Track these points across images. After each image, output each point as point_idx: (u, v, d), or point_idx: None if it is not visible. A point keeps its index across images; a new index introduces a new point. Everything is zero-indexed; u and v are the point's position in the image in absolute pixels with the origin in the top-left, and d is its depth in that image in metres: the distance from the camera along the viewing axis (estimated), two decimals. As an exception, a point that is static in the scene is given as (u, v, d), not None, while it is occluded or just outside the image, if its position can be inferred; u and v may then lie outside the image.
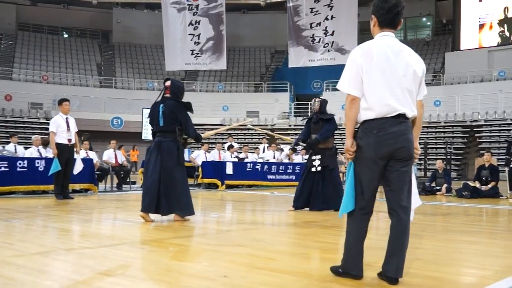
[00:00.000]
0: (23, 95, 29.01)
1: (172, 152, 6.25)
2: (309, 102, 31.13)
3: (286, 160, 16.99)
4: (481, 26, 31.61)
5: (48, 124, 28.97)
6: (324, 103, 8.33)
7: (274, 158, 16.83)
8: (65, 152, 9.45)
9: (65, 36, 38.80)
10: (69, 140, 9.49)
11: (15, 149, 11.62)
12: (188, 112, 6.49)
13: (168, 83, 6.50)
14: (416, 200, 3.33)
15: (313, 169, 7.89)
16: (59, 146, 9.40)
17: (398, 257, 3.10)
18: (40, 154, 11.32)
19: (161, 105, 6.32)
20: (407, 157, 3.12)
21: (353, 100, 3.13)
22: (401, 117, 3.10)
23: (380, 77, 3.09)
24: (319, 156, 7.94)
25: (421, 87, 3.25)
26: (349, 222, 3.22)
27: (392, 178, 3.13)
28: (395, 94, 3.09)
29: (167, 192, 6.20)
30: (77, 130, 9.82)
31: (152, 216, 6.30)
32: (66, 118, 9.61)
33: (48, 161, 10.56)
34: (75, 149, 9.67)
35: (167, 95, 6.44)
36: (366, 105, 3.11)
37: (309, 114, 31.36)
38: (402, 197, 3.13)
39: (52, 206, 8.25)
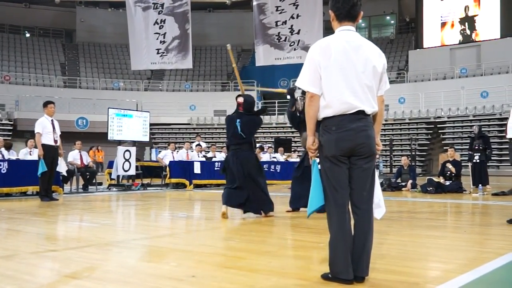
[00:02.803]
0: (-15, 96, 28.29)
1: (251, 160, 6.87)
2: (276, 100, 31.34)
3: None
4: (443, 24, 32.33)
5: (10, 125, 28.30)
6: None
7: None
8: (51, 153, 9.51)
9: (27, 35, 37.92)
10: (55, 141, 9.60)
11: (-23, 151, 11.29)
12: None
13: (240, 99, 6.93)
14: (379, 197, 3.32)
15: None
16: (45, 147, 9.44)
17: (363, 255, 3.08)
18: (3, 156, 11.05)
19: (238, 120, 6.82)
20: (368, 153, 3.09)
21: (312, 98, 3.10)
22: (361, 113, 3.06)
23: (338, 74, 3.05)
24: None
25: (382, 82, 3.21)
26: (330, 222, 3.12)
27: (354, 175, 3.10)
28: (354, 91, 3.05)
29: (254, 195, 6.73)
30: (60, 133, 9.90)
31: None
32: (52, 120, 9.70)
33: (12, 164, 10.33)
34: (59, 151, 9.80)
35: (241, 110, 6.92)
36: (325, 102, 3.08)
37: (275, 112, 31.57)
38: (365, 194, 3.11)
39: (16, 209, 8.06)
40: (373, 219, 3.17)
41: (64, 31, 39.12)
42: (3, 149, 11.27)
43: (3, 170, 10.10)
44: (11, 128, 27.56)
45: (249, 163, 6.80)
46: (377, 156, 3.35)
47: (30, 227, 6.11)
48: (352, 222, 3.14)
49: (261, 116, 7.34)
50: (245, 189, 6.71)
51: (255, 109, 7.24)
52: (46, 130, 9.54)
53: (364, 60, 3.09)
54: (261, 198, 6.81)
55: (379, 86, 3.20)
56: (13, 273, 3.48)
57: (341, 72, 3.05)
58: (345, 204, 3.09)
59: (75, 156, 12.89)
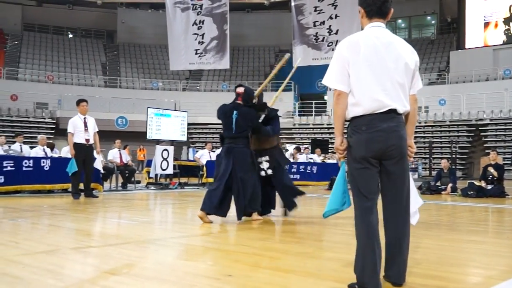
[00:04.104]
0: (29, 95, 29.19)
1: (245, 158, 6.25)
2: (313, 101, 31.20)
3: (290, 160, 16.98)
4: (486, 24, 31.51)
5: (53, 123, 29.12)
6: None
7: (278, 157, 16.79)
8: (83, 152, 9.53)
9: (70, 36, 38.94)
10: (87, 140, 9.59)
11: (21, 148, 11.65)
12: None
13: (241, 89, 6.46)
14: (416, 200, 3.19)
15: (263, 173, 6.64)
16: (76, 146, 9.51)
17: (400, 262, 2.95)
18: (46, 153, 11.36)
19: (235, 112, 6.28)
20: (399, 156, 2.92)
21: (339, 96, 2.94)
22: (392, 112, 2.90)
23: (368, 71, 2.90)
24: (267, 157, 6.79)
25: (414, 80, 3.06)
26: (357, 229, 2.93)
27: (386, 180, 2.95)
28: (385, 88, 2.90)
29: (239, 197, 6.17)
30: (97, 130, 9.91)
31: (211, 217, 6.19)
32: (84, 118, 9.70)
33: (54, 161, 10.61)
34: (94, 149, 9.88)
35: (239, 101, 6.41)
36: (354, 100, 2.92)
37: (313, 113, 31.41)
38: (398, 200, 2.96)
39: (57, 205, 8.28)
40: (409, 225, 3.00)
41: (105, 32, 40.01)
42: (45, 147, 11.59)
43: (46, 167, 10.40)
44: (54, 126, 28.33)
45: (243, 162, 6.22)
46: (412, 159, 3.20)
47: (71, 223, 6.27)
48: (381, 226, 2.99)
49: (260, 113, 6.56)
50: (225, 191, 6.12)
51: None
52: (78, 129, 9.57)
53: (396, 57, 2.95)
54: (252, 198, 6.20)
55: (411, 84, 3.04)
56: (54, 267, 3.58)
57: (371, 68, 2.91)
58: (373, 210, 2.89)
59: (115, 154, 13.14)
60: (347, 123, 3.06)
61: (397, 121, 2.92)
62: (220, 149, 6.61)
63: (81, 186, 9.80)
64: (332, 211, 3.08)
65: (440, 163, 15.59)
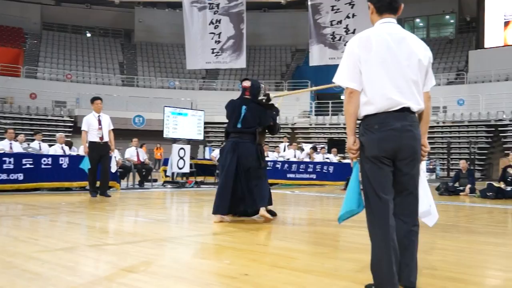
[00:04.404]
0: (48, 94, 29.52)
1: (251, 153, 6.08)
2: (330, 101, 31.09)
3: (307, 159, 16.95)
4: (507, 23, 31.07)
5: (71, 122, 29.42)
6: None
7: (295, 157, 16.80)
8: (97, 150, 9.50)
9: (88, 35, 39.28)
10: (101, 138, 9.51)
11: (40, 146, 11.80)
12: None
13: (247, 83, 6.30)
14: (431, 201, 3.07)
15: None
16: (90, 144, 9.51)
17: (411, 264, 2.88)
18: (64, 151, 11.48)
19: (244, 107, 6.16)
20: (412, 156, 2.84)
21: (351, 94, 2.86)
22: (406, 110, 2.83)
23: (380, 68, 2.82)
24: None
25: (428, 77, 2.97)
26: (372, 230, 2.87)
27: (398, 180, 2.87)
28: (398, 86, 2.82)
29: (248, 193, 6.06)
30: (112, 128, 9.85)
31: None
32: (98, 116, 9.64)
33: (72, 159, 10.72)
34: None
35: (247, 96, 6.27)
36: (366, 98, 2.85)
37: (329, 113, 31.31)
38: (409, 201, 2.89)
39: (75, 203, 8.36)
40: (418, 227, 2.93)
41: (123, 31, 40.29)
42: (64, 145, 11.71)
43: (64, 165, 10.52)
44: (72, 124, 28.62)
45: (249, 157, 6.08)
46: (425, 158, 3.11)
47: (88, 221, 6.33)
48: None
49: (274, 112, 6.44)
50: (233, 189, 6.03)
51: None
52: (92, 127, 9.51)
53: (408, 53, 2.87)
54: (259, 195, 6.08)
55: (424, 81, 2.95)
56: (73, 264, 3.61)
57: (383, 65, 2.83)
58: (388, 210, 2.81)
59: (132, 152, 13.24)
60: (359, 121, 2.99)
61: (411, 120, 2.85)
62: (224, 143, 6.44)
63: (98, 184, 9.82)
64: (347, 214, 3.01)
65: (458, 163, 15.42)
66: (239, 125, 6.14)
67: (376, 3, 2.98)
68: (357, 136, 2.94)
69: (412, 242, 2.89)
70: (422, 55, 2.91)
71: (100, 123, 9.57)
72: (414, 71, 2.87)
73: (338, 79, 2.95)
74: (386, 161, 2.83)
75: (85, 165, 9.51)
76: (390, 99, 2.81)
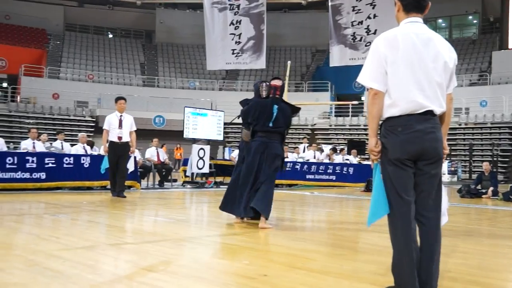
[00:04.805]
0: (70, 94, 29.90)
1: (277, 155, 5.97)
2: (350, 102, 30.90)
3: (326, 160, 16.88)
4: (531, 24, 30.58)
5: (92, 122, 29.76)
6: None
7: (314, 158, 16.74)
8: (115, 150, 9.44)
9: (110, 36, 39.72)
10: (119, 137, 9.42)
11: (62, 146, 11.96)
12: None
13: (279, 82, 6.16)
14: (445, 201, 3.01)
15: None
16: (109, 144, 9.49)
17: (431, 268, 2.83)
18: (86, 151, 11.61)
19: (275, 107, 6.00)
20: (435, 158, 2.80)
21: (375, 95, 2.81)
22: (429, 113, 2.79)
23: (406, 70, 2.77)
24: None
25: (452, 79, 2.93)
26: (394, 233, 2.84)
27: (420, 182, 2.82)
28: (423, 89, 2.78)
29: (253, 193, 5.90)
30: (135, 129, 9.74)
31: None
32: (120, 116, 9.57)
33: (94, 158, 10.84)
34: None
35: (278, 95, 6.10)
36: (390, 100, 2.80)
37: (349, 114, 31.13)
38: (431, 203, 2.84)
39: (96, 202, 8.45)
40: (440, 229, 2.89)
41: (144, 32, 40.66)
42: (85, 145, 11.85)
43: (86, 164, 10.63)
44: (93, 124, 28.94)
45: (277, 158, 5.96)
46: (448, 160, 3.03)
47: (109, 220, 6.39)
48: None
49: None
50: (251, 192, 5.90)
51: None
52: (112, 127, 9.45)
53: (435, 55, 2.81)
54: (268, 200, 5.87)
55: (449, 83, 2.92)
56: (93, 263, 3.65)
57: (410, 67, 2.78)
58: (410, 213, 2.79)
59: (152, 152, 13.32)
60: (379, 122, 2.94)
61: (433, 123, 2.82)
62: (250, 142, 6.12)
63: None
64: (376, 217, 2.92)
65: (480, 166, 15.21)
66: (270, 125, 5.99)
67: (403, 1, 2.93)
68: (378, 137, 2.90)
69: (434, 245, 2.83)
70: (448, 57, 2.87)
71: (120, 123, 9.51)
72: (440, 73, 2.83)
73: (362, 79, 2.90)
74: (408, 163, 2.80)
75: (104, 165, 9.58)
76: (415, 102, 2.77)
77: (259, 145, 5.95)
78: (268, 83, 6.32)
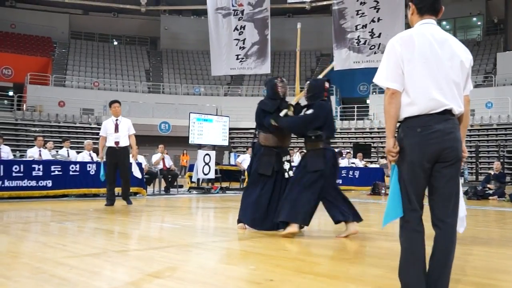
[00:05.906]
0: (76, 101, 30.03)
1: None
2: (355, 105, 30.88)
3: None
4: (536, 24, 30.47)
5: (98, 129, 29.91)
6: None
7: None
8: (113, 156, 9.06)
9: (115, 43, 39.89)
10: (116, 142, 9.04)
11: (68, 153, 12.01)
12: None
13: (327, 84, 5.84)
14: (463, 207, 2.96)
15: (286, 175, 6.07)
16: (107, 149, 9.18)
17: (443, 274, 2.78)
18: (92, 158, 11.65)
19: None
20: (454, 159, 2.74)
21: (393, 95, 2.76)
22: (447, 113, 2.74)
23: (423, 68, 2.74)
24: (288, 157, 6.33)
25: (468, 80, 2.90)
26: (401, 238, 2.80)
27: (438, 184, 2.76)
28: (440, 87, 2.74)
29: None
30: (133, 133, 9.34)
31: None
32: (116, 120, 9.25)
33: (99, 166, 10.85)
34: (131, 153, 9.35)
35: (325, 98, 5.84)
36: (408, 100, 2.76)
37: (355, 117, 31.09)
38: (449, 207, 2.77)
39: (102, 209, 8.46)
40: (456, 235, 2.83)
41: (149, 39, 40.83)
42: (91, 152, 11.89)
43: (92, 171, 10.66)
44: (99, 131, 29.08)
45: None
46: (462, 163, 3.01)
47: (115, 227, 6.40)
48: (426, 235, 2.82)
49: None
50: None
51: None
52: (109, 132, 9.13)
53: (451, 54, 2.80)
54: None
55: (465, 84, 2.89)
56: (100, 270, 3.66)
57: (426, 65, 2.75)
58: (418, 215, 2.75)
59: (158, 159, 13.35)
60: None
61: (453, 123, 2.77)
62: (324, 153, 5.63)
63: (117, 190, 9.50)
64: (391, 218, 2.86)
65: (487, 167, 15.15)
66: (335, 129, 5.79)
67: (418, 4, 2.92)
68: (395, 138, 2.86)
69: (449, 251, 2.79)
70: (464, 57, 2.85)
71: (117, 127, 9.13)
72: (457, 72, 2.80)
73: (379, 80, 2.86)
74: (426, 166, 2.74)
75: (102, 173, 9.25)
76: (434, 100, 2.73)
77: (332, 155, 5.59)
78: (283, 79, 6.16)
